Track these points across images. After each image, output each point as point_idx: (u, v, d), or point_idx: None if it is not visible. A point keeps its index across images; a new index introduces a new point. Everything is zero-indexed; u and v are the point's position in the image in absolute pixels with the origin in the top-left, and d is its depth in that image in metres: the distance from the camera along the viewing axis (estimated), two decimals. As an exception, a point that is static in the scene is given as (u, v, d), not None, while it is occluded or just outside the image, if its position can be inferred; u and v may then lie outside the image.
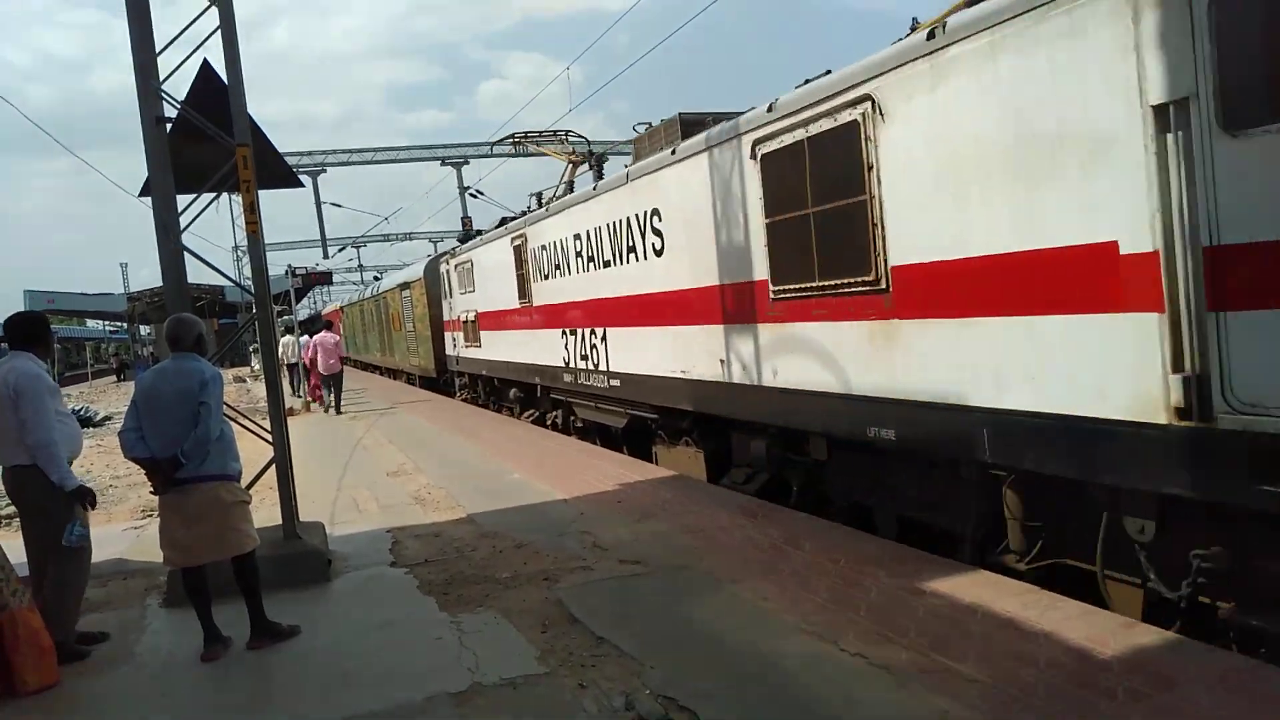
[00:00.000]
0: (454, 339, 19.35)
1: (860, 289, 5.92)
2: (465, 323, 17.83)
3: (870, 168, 5.68)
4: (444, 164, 40.70)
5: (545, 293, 12.81)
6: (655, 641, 4.59)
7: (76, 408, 24.44)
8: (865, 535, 6.31)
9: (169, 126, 6.36)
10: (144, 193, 6.58)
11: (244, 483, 5.38)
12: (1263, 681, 3.61)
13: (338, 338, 20.27)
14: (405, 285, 25.27)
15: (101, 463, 14.43)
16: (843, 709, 3.74)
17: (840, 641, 4.37)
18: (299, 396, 21.09)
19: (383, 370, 33.81)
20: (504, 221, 15.71)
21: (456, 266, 18.41)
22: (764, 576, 5.47)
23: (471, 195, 33.29)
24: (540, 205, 13.72)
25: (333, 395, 18.79)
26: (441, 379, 22.30)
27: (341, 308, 44.47)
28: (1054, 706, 3.54)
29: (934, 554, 5.68)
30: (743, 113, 7.34)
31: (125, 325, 60.36)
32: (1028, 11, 4.46)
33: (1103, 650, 3.99)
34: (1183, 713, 3.41)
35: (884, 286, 5.70)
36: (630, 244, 9.54)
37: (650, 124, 9.84)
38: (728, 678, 4.11)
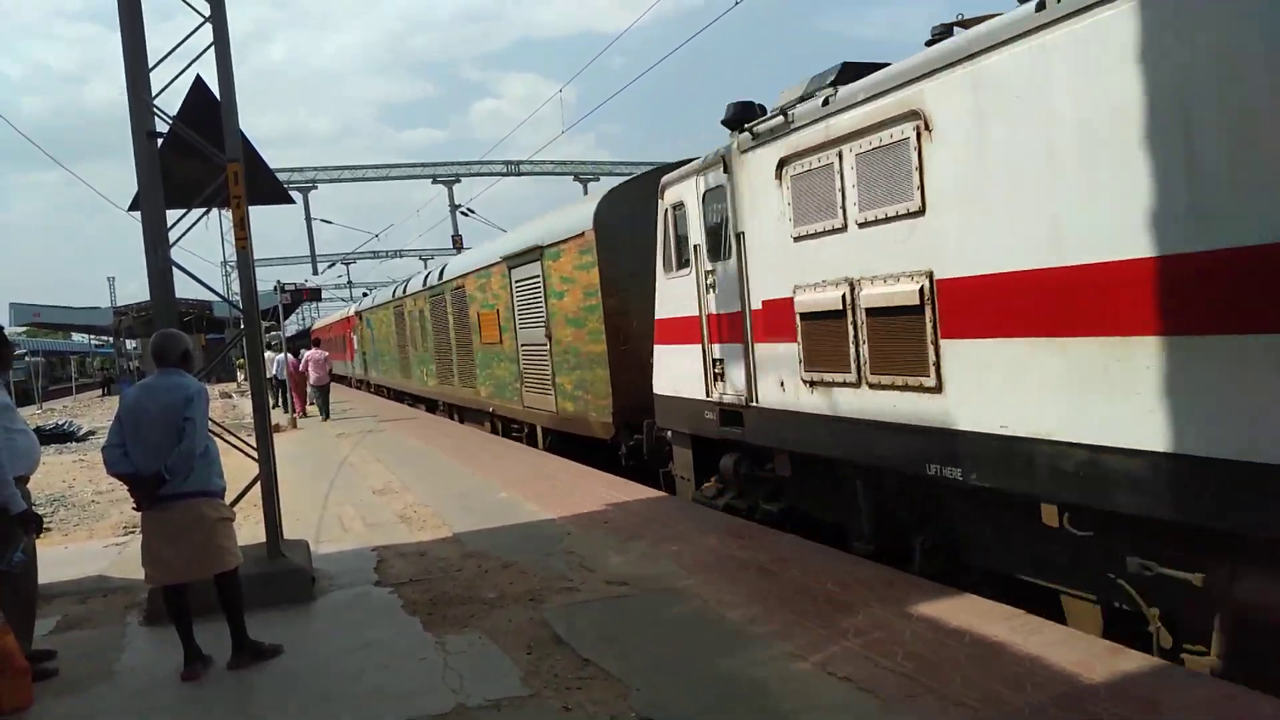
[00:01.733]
0: (719, 360, 7.98)
1: None
2: (820, 316, 6.39)
3: None
4: (435, 181, 40.79)
5: None
6: (641, 663, 4.56)
7: (60, 422, 24.24)
8: (853, 558, 6.30)
9: (160, 141, 6.36)
10: (133, 207, 6.57)
11: (228, 499, 5.33)
12: (1248, 709, 3.61)
13: (326, 354, 22.20)
14: (530, 255, 13.09)
15: (84, 478, 14.29)
16: (829, 733, 3.72)
17: (828, 665, 4.35)
18: (281, 409, 21.65)
19: (440, 407, 21.06)
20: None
21: (807, 160, 6.40)
22: (751, 598, 5.44)
23: (462, 213, 33.41)
24: None
25: (320, 404, 21.33)
26: (625, 445, 10.66)
27: (358, 313, 32.68)
28: (1041, 732, 3.53)
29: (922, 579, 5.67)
30: None
31: (111, 339, 60.01)
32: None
33: (1089, 675, 3.99)
34: (1169, 739, 3.40)
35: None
36: None
37: None
38: (713, 700, 4.09)
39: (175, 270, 6.42)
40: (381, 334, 27.87)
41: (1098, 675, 3.98)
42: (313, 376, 21.09)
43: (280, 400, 22.70)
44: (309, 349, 22.42)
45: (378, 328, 28.47)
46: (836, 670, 4.28)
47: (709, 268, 7.96)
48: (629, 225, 10.24)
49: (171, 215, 6.53)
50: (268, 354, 22.38)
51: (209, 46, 6.28)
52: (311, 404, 21.93)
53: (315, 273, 43.73)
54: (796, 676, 4.27)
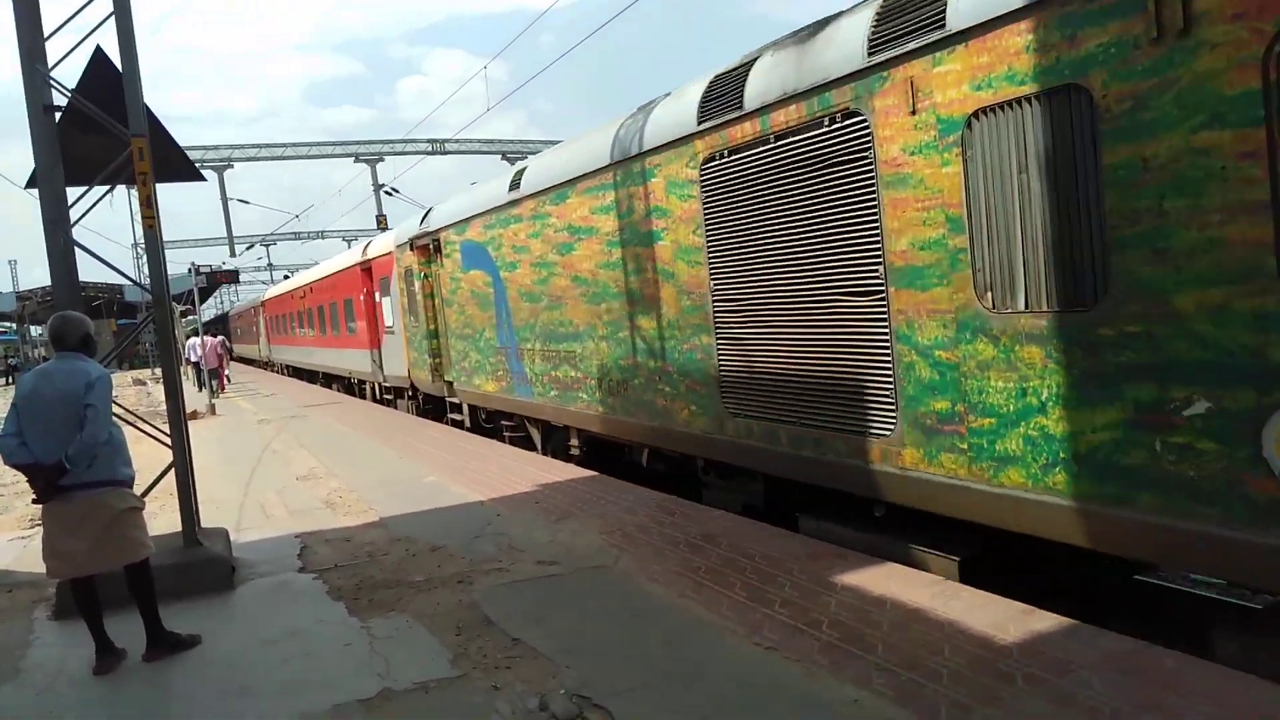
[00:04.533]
0: None
1: None
2: None
3: None
4: (357, 160, 39.75)
5: None
6: (571, 642, 4.57)
7: (-40, 413, 23.11)
8: (781, 531, 6.40)
9: (59, 115, 6.05)
10: (31, 184, 6.25)
11: (140, 488, 5.14)
12: (1150, 660, 3.79)
13: (221, 338, 26.03)
14: None
15: (-13, 470, 13.64)
16: (758, 700, 3.78)
17: (755, 636, 4.42)
18: (203, 390, 22.26)
19: None
20: None
21: None
22: (681, 574, 5.49)
23: (386, 193, 32.70)
24: None
25: (214, 382, 22.88)
26: None
27: (428, 245, 13.55)
28: (958, 691, 3.65)
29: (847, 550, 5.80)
30: None
31: (14, 326, 57.22)
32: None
33: (1003, 637, 4.14)
34: (1076, 697, 3.55)
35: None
36: None
37: None
38: (644, 675, 4.12)
39: (80, 252, 6.14)
40: (527, 283, 10.42)
41: (1011, 636, 4.13)
42: (209, 360, 22.96)
43: (201, 382, 23.58)
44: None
45: (515, 273, 10.69)
46: (764, 641, 4.35)
47: None
48: None
49: (73, 194, 6.24)
50: (192, 340, 23.04)
51: (109, 16, 5.98)
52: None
53: (233, 255, 42.28)
54: (725, 649, 4.33)
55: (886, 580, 5.04)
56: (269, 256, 55.97)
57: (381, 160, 39.43)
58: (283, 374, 35.13)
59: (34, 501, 4.82)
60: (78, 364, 4.74)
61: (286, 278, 38.92)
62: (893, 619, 4.49)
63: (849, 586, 5.00)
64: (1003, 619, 4.34)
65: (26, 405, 4.66)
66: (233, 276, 35.73)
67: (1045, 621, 4.29)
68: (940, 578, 5.05)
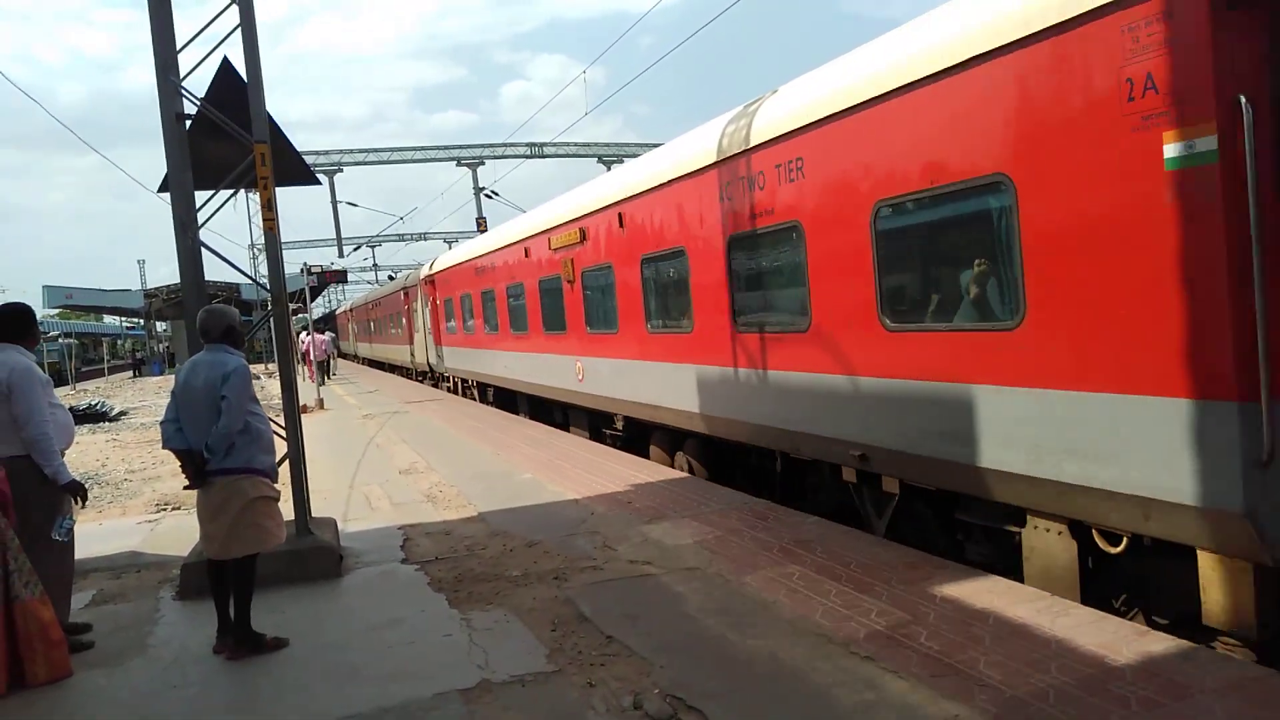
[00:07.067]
0: None
1: None
2: None
3: None
4: (459, 164, 40.76)
5: None
6: (664, 641, 4.59)
7: (93, 402, 24.64)
8: (877, 539, 6.29)
9: (189, 123, 6.42)
10: (163, 188, 6.65)
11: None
12: (1275, 690, 3.57)
13: (331, 335, 28.14)
14: None
15: (117, 457, 14.54)
16: (853, 712, 3.72)
17: (852, 645, 4.36)
18: (313, 380, 23.66)
19: None
20: None
21: None
22: (775, 579, 5.45)
23: (486, 196, 33.42)
24: None
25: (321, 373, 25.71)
26: None
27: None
28: (1066, 712, 3.52)
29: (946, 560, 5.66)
30: None
31: (142, 321, 60.82)
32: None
33: (1115, 657, 3.97)
34: (1196, 721, 3.38)
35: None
36: None
37: None
38: (737, 678, 4.11)
39: (204, 252, 6.50)
40: None
41: (1124, 657, 3.96)
42: (317, 354, 25.98)
43: (322, 374, 26.50)
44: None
45: None
46: (860, 650, 4.28)
47: None
48: None
49: (200, 197, 6.61)
50: (304, 335, 26.46)
51: (235, 28, 6.32)
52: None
53: (341, 255, 43.93)
54: (820, 656, 4.28)
55: (989, 593, 4.89)
56: (374, 257, 58.09)
57: (482, 164, 40.34)
58: (481, 399, 19.96)
59: (186, 488, 5.12)
60: (220, 355, 5.01)
61: (391, 278, 39.91)
62: (995, 633, 4.35)
63: (949, 598, 4.87)
64: (1114, 639, 4.16)
65: (181, 394, 4.97)
66: (341, 276, 37.13)
67: (1161, 643, 4.10)
68: (1046, 593, 4.88)
